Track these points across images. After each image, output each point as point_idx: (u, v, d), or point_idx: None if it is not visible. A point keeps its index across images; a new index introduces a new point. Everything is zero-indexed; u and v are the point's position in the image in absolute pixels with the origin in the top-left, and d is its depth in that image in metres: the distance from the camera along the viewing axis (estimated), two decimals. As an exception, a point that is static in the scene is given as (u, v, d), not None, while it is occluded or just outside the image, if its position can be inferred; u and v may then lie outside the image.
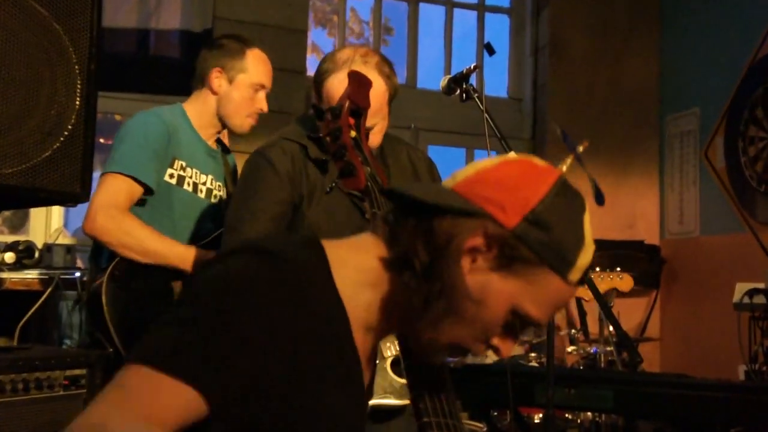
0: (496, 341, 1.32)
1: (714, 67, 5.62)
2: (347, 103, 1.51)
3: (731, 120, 5.43)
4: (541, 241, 1.24)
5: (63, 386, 2.31)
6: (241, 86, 2.95)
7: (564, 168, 1.36)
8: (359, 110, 1.55)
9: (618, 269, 3.73)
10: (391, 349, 2.54)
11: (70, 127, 2.29)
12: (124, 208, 2.72)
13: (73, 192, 2.33)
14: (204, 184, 2.95)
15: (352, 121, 1.52)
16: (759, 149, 5.21)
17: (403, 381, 2.46)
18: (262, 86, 2.99)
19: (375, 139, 2.52)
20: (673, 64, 6.00)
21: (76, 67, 2.31)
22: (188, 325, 1.17)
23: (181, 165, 2.87)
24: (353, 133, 1.51)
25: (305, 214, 2.47)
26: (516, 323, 1.30)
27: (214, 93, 2.96)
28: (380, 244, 1.32)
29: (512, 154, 1.37)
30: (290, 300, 1.21)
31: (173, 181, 2.85)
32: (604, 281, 3.68)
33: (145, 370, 1.14)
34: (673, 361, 5.74)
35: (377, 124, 2.48)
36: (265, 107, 2.99)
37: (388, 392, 2.50)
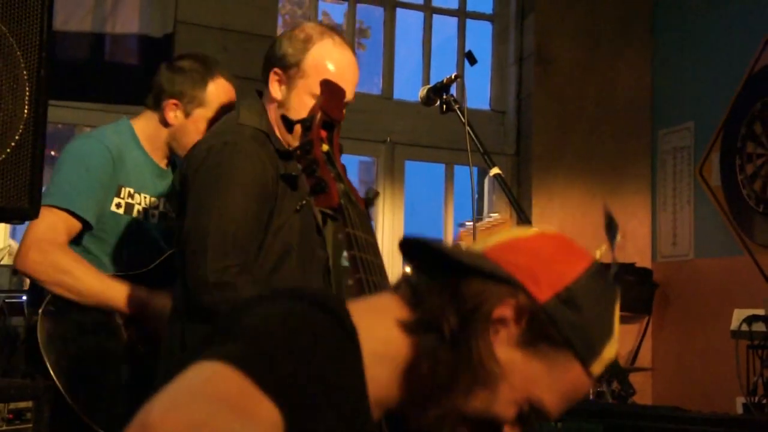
0: (506, 430, 1.28)
1: (710, 79, 5.66)
2: (319, 115, 1.50)
3: (727, 135, 5.46)
4: (571, 322, 1.23)
5: (7, 420, 2.26)
6: (198, 120, 2.84)
7: (599, 255, 1.38)
8: (332, 122, 1.54)
9: None
10: None
11: (17, 137, 2.25)
12: (60, 244, 2.66)
13: (20, 208, 2.29)
14: (156, 208, 2.90)
15: (324, 133, 1.52)
16: (757, 167, 5.25)
17: None
18: None
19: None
20: (666, 76, 6.04)
21: (25, 72, 2.27)
22: (267, 354, 1.11)
23: (129, 192, 2.81)
24: (325, 147, 1.50)
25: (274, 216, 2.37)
26: (529, 413, 1.28)
27: (168, 124, 2.85)
28: (402, 305, 1.30)
29: (549, 228, 1.38)
30: (339, 366, 1.18)
31: (120, 210, 2.79)
32: None
33: (240, 376, 1.06)
34: (666, 392, 5.75)
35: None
36: None
37: None
